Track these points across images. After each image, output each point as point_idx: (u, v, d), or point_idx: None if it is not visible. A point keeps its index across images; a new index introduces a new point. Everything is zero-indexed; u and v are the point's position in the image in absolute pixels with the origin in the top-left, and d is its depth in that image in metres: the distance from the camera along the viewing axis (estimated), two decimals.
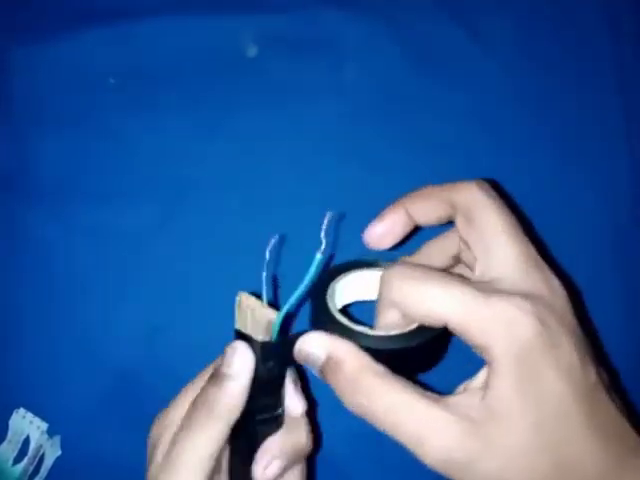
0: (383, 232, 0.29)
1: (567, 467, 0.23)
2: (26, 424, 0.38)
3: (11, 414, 0.38)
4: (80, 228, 0.40)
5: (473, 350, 0.25)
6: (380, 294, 0.27)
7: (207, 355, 0.32)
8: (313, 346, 0.26)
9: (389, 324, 0.26)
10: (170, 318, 0.39)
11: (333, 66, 0.42)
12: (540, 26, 0.43)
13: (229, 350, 0.27)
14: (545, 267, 0.26)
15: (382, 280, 0.26)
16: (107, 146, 0.41)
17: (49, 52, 0.42)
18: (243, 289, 0.31)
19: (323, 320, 0.28)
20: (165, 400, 0.31)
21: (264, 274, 0.27)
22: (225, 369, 0.27)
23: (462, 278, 0.26)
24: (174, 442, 0.27)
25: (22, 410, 0.38)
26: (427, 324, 0.25)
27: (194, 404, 0.28)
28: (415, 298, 0.25)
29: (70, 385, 0.38)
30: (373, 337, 0.26)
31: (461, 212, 0.27)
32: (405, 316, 0.26)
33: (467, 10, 0.43)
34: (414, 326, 0.27)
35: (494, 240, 0.26)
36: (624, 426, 0.25)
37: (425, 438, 0.23)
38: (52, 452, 0.38)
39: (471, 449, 0.23)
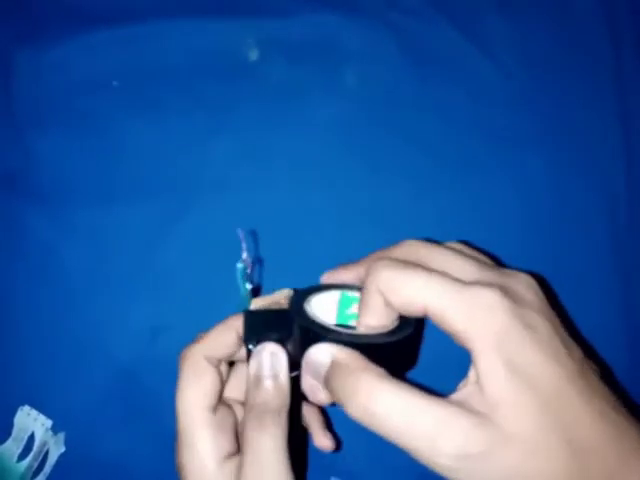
0: (341, 280, 0.32)
1: (583, 450, 0.23)
2: (31, 421, 0.38)
3: (16, 411, 0.39)
4: (82, 229, 0.40)
5: (453, 338, 0.26)
6: (366, 283, 0.28)
7: None
8: (320, 355, 0.27)
9: (373, 312, 0.28)
10: (173, 318, 0.39)
11: (333, 69, 0.42)
12: (538, 28, 0.44)
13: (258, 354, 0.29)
14: (504, 269, 0.28)
15: (369, 270, 0.28)
16: (109, 148, 0.41)
17: (52, 54, 0.42)
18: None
19: (316, 330, 0.28)
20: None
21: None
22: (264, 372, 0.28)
23: (442, 272, 0.28)
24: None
25: (27, 407, 0.39)
26: (408, 311, 0.27)
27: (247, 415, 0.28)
28: (398, 285, 0.27)
29: (74, 383, 0.39)
30: (357, 335, 0.28)
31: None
32: (387, 305, 0.27)
33: (466, 13, 0.43)
34: (392, 326, 0.28)
35: None
36: (623, 410, 0.25)
37: (436, 437, 0.23)
38: (56, 449, 0.38)
39: (485, 440, 0.23)
